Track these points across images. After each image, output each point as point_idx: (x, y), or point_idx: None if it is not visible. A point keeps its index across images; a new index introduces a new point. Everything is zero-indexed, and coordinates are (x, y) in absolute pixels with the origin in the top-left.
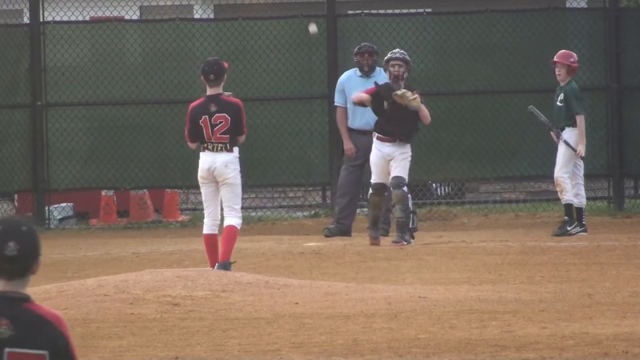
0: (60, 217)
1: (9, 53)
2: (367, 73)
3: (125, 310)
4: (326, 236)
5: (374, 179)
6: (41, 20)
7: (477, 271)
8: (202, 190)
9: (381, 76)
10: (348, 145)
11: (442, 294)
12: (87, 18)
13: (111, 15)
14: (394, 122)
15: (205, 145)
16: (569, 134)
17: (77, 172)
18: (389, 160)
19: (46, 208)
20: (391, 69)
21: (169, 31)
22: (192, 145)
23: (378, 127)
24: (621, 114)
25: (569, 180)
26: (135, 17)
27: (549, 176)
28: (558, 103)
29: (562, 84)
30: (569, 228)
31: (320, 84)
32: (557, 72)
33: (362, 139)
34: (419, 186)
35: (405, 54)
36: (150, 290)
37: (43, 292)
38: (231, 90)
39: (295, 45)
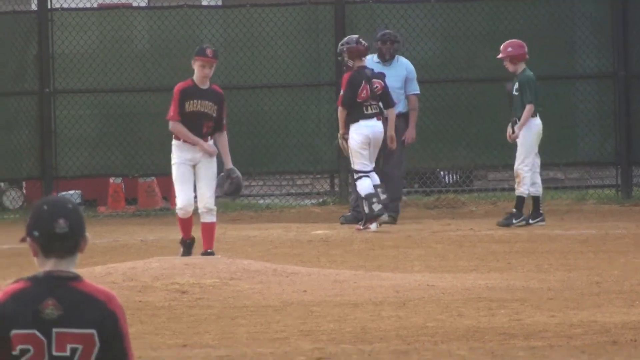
0: None
1: (17, 40)
2: (387, 61)
3: (133, 297)
4: (342, 224)
5: (364, 166)
6: (49, 7)
7: (485, 259)
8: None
9: (399, 63)
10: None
11: (450, 282)
12: (95, 5)
13: (119, 2)
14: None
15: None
16: (526, 126)
17: (85, 159)
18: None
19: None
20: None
21: (177, 18)
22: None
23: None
24: (629, 101)
25: (529, 174)
26: (143, 4)
27: (556, 164)
28: (514, 92)
29: (517, 73)
30: (514, 221)
31: (328, 71)
32: (506, 66)
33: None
34: (427, 174)
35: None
36: (159, 277)
37: None
38: (239, 77)
39: (303, 32)
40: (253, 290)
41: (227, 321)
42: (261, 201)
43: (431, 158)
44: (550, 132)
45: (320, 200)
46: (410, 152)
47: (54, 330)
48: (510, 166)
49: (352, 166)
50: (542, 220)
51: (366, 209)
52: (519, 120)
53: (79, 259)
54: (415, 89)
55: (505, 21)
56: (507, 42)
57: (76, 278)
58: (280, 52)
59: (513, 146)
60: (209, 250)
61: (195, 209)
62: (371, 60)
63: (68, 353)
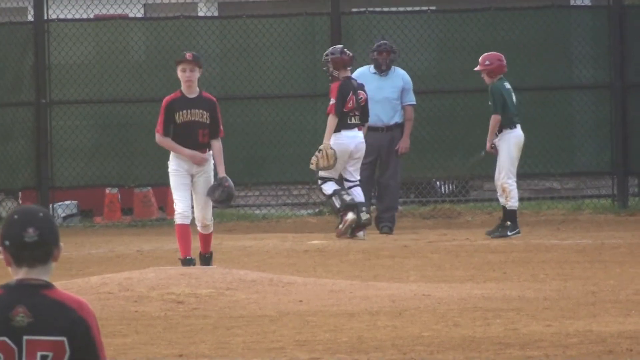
0: (64, 214)
1: (14, 51)
2: (383, 71)
3: (129, 308)
4: (386, 233)
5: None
6: (45, 18)
7: (481, 269)
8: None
9: (396, 74)
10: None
11: (446, 291)
12: (92, 16)
13: (115, 13)
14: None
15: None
16: (503, 138)
17: (81, 169)
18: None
19: (50, 206)
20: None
21: (173, 29)
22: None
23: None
24: (625, 112)
25: (515, 186)
26: (139, 15)
27: (552, 174)
28: (489, 103)
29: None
30: (509, 233)
31: (325, 82)
32: (483, 78)
33: (374, 135)
34: (423, 184)
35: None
36: (155, 288)
37: None
38: (235, 88)
39: (299, 43)
40: (249, 300)
41: (223, 331)
42: (257, 211)
43: (427, 168)
44: (547, 142)
45: (316, 210)
46: (406, 162)
47: (25, 337)
48: None
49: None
50: (519, 232)
51: (337, 203)
52: (498, 132)
53: (73, 270)
54: (411, 99)
55: (502, 32)
56: (485, 54)
57: (47, 286)
58: (277, 63)
59: None
60: (207, 255)
61: (193, 220)
62: (367, 71)
63: None
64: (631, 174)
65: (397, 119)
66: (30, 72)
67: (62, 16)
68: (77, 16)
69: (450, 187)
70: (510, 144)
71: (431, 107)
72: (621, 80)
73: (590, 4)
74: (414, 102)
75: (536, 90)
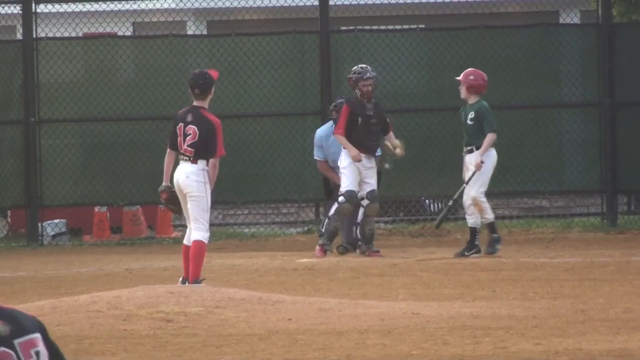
0: (53, 233)
1: (2, 69)
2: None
3: (118, 326)
4: (341, 253)
5: (348, 186)
6: (34, 36)
7: (471, 287)
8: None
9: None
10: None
11: (435, 310)
12: (80, 34)
13: (104, 31)
14: (368, 136)
15: (179, 155)
16: (478, 156)
17: (70, 188)
18: (359, 172)
19: (39, 224)
20: (363, 88)
21: (162, 47)
22: (168, 152)
23: (353, 142)
24: (614, 130)
25: (485, 199)
26: (128, 33)
27: (542, 192)
28: (468, 122)
29: (470, 102)
30: (497, 246)
31: (314, 100)
32: (460, 90)
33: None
34: (412, 202)
35: (370, 69)
36: (144, 306)
37: (36, 308)
38: (224, 107)
39: (288, 62)
40: (238, 319)
41: (212, 349)
42: (246, 230)
43: (416, 186)
44: (536, 160)
45: (306, 228)
46: (395, 180)
47: (15, 342)
48: (495, 194)
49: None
50: (478, 251)
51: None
52: (476, 148)
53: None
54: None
55: (491, 50)
56: (470, 69)
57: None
58: (266, 82)
59: (499, 175)
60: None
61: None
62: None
63: (34, 358)
64: (620, 192)
65: None
66: (19, 90)
67: (51, 34)
68: (66, 34)
69: (439, 205)
70: (490, 162)
71: (420, 125)
72: (610, 98)
73: (579, 22)
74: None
75: (525, 109)
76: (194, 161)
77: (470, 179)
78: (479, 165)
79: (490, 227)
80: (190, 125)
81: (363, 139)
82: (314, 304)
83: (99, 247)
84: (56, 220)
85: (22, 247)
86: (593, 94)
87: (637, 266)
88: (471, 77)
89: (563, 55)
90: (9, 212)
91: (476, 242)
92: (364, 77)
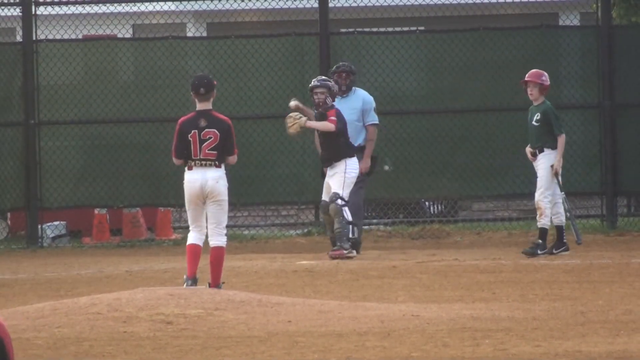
0: (53, 235)
1: (2, 71)
2: (343, 92)
3: (118, 328)
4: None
5: (323, 198)
6: (34, 38)
7: (470, 289)
8: (190, 210)
9: (356, 95)
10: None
11: (435, 312)
12: (80, 36)
13: (104, 33)
14: (323, 147)
15: (192, 162)
16: (547, 157)
17: (70, 190)
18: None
19: (39, 226)
20: (314, 97)
21: (162, 49)
22: (177, 162)
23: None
24: (614, 132)
25: (549, 205)
26: (128, 36)
27: None
28: (534, 123)
29: (535, 103)
30: (539, 252)
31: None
32: (529, 92)
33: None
34: (412, 204)
35: (326, 79)
36: (143, 308)
37: (36, 310)
38: (224, 108)
39: (288, 64)
40: (238, 321)
41: (212, 352)
42: (246, 232)
43: (416, 188)
44: None
45: (305, 230)
46: (394, 182)
47: None
48: (495, 196)
49: (338, 193)
50: (567, 249)
51: (353, 234)
52: (539, 151)
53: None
54: (372, 119)
55: (491, 52)
56: (536, 70)
57: None
58: (266, 83)
59: (498, 177)
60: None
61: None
62: None
63: None
64: (620, 194)
65: (360, 141)
66: (19, 92)
67: (50, 36)
68: (66, 37)
69: (439, 207)
70: (549, 164)
71: (420, 127)
72: (610, 100)
73: (579, 24)
74: (376, 122)
75: (525, 111)
76: (218, 165)
77: (559, 182)
78: (557, 171)
79: (542, 232)
80: (207, 130)
81: (321, 149)
82: (313, 306)
83: (98, 249)
84: (56, 223)
85: (22, 249)
86: (593, 96)
87: (637, 268)
88: (543, 78)
89: (563, 57)
90: (8, 214)
91: (564, 240)
92: (314, 85)
